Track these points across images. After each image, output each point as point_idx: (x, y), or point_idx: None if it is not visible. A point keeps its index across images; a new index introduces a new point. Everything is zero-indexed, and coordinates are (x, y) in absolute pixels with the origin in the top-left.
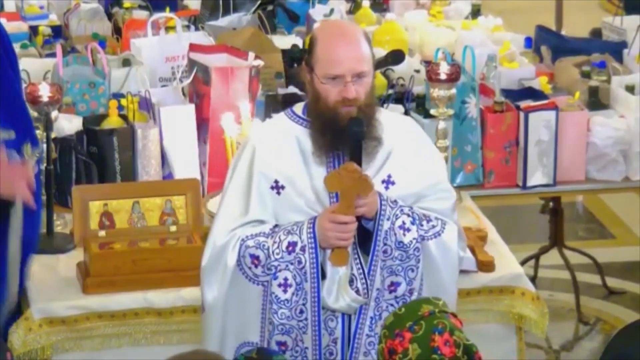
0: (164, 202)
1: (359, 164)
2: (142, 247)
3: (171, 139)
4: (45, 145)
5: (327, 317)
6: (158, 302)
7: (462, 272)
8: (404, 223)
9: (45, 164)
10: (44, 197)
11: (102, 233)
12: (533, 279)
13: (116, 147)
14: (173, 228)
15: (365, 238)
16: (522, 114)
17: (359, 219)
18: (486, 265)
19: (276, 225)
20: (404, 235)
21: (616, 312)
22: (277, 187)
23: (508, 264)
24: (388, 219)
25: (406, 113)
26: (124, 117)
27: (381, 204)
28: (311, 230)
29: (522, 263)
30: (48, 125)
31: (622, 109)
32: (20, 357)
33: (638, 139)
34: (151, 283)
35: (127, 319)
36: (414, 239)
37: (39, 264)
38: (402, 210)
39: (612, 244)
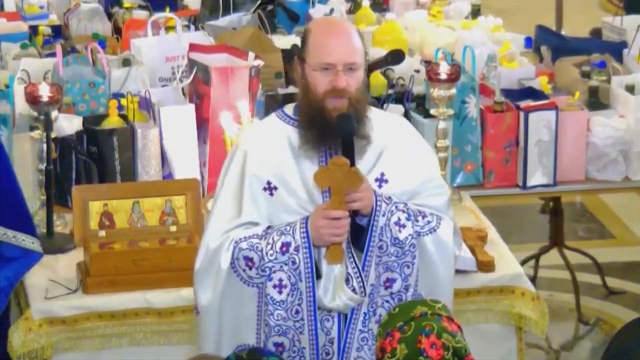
0: (164, 202)
1: (352, 160)
2: (142, 247)
3: (171, 139)
4: (45, 145)
5: (324, 317)
6: (158, 302)
7: (462, 272)
8: (399, 219)
9: (45, 164)
10: (43, 197)
11: (102, 233)
12: (533, 279)
13: (116, 147)
14: (173, 228)
15: (357, 235)
16: (522, 114)
17: (352, 215)
18: (486, 265)
19: (269, 227)
20: (400, 231)
21: (616, 312)
22: (270, 189)
23: (508, 264)
24: (383, 215)
25: (406, 113)
26: (124, 117)
27: (376, 200)
28: (304, 229)
29: (522, 263)
30: (48, 125)
31: (622, 109)
32: (21, 357)
33: (638, 139)
34: (151, 283)
35: (127, 319)
36: (410, 235)
37: (39, 264)
38: (397, 206)
39: (612, 244)
